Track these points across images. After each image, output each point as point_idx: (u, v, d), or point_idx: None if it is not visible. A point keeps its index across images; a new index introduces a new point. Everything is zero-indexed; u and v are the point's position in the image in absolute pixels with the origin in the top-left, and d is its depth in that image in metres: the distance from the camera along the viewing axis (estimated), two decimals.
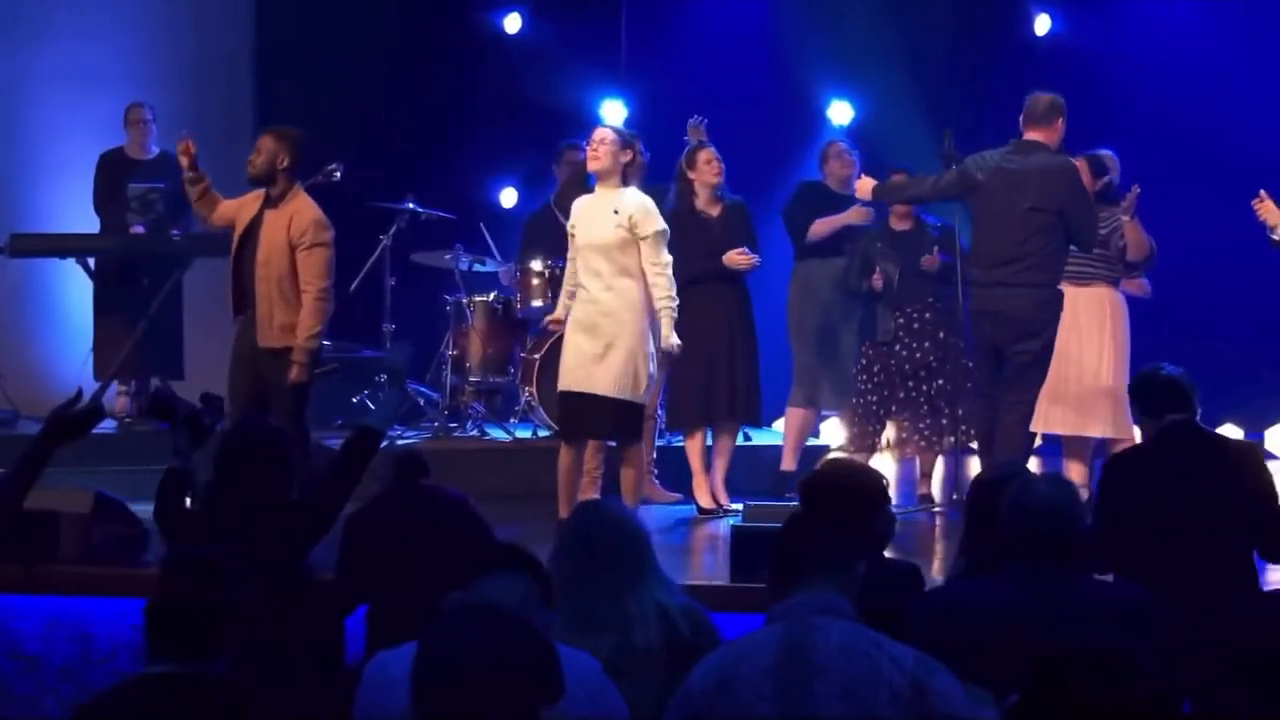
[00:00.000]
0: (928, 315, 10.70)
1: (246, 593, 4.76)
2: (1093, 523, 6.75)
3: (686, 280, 9.99)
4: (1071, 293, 10.07)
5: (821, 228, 10.95)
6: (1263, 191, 8.82)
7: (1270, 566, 7.27)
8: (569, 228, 9.43)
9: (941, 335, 10.66)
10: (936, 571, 8.65)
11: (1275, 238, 8.82)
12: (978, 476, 6.17)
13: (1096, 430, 10.19)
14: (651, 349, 9.25)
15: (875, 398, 10.74)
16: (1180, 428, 6.81)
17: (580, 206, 9.41)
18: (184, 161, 9.53)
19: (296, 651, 6.19)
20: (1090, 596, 5.17)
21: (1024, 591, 5.13)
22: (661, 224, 9.33)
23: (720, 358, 10.50)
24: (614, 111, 13.26)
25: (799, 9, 13.92)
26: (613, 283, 9.22)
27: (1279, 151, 12.86)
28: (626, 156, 9.35)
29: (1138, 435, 10.57)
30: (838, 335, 11.16)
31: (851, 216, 10.90)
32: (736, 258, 10.39)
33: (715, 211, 10.55)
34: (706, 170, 10.50)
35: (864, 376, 10.79)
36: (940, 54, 13.69)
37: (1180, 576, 6.38)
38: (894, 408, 10.78)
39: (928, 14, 13.82)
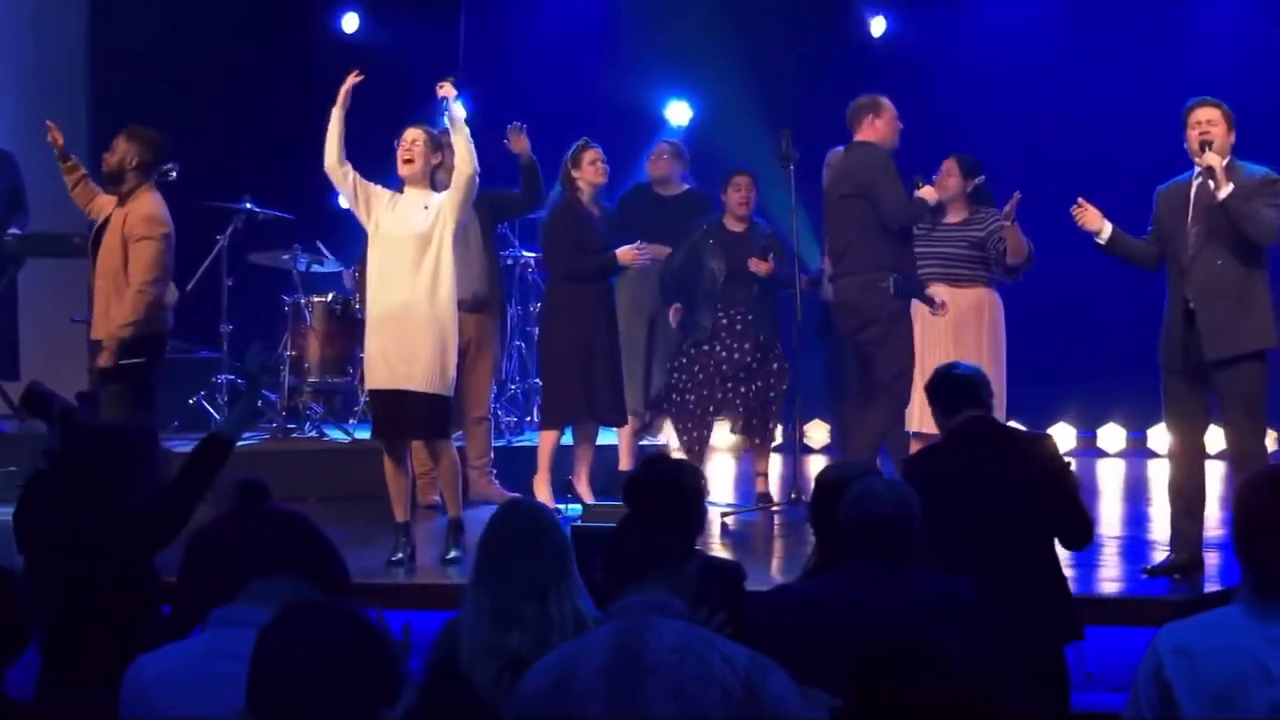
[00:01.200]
0: (750, 316, 10.75)
1: (58, 606, 4.64)
2: None
3: (578, 276, 10.03)
4: (948, 294, 10.20)
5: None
6: (1081, 199, 8.95)
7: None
8: (370, 224, 9.29)
9: (762, 337, 10.72)
10: (775, 571, 8.72)
11: (1100, 241, 8.95)
12: (820, 475, 6.20)
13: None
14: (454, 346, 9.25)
15: (694, 397, 10.78)
16: (974, 423, 6.89)
17: (389, 203, 9.31)
18: (56, 149, 9.54)
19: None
20: (925, 594, 5.22)
21: (859, 590, 5.16)
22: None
23: (597, 355, 10.57)
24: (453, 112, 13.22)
25: (637, 10, 13.96)
26: (406, 280, 9.13)
27: (1114, 149, 13.10)
28: (437, 159, 9.37)
29: None
30: (653, 337, 11.23)
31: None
32: (630, 252, 10.44)
33: (596, 212, 10.62)
34: (591, 170, 10.57)
35: (683, 376, 10.82)
36: (778, 55, 13.80)
37: (982, 571, 6.45)
38: (712, 408, 10.82)
39: (765, 15, 13.92)
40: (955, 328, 10.24)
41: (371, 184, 9.22)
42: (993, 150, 12.52)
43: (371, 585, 8.02)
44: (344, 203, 9.35)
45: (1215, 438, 10.06)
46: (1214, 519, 9.96)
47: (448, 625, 5.24)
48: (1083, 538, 6.96)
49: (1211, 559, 8.97)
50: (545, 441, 10.66)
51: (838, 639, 4.77)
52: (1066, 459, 7.01)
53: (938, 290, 10.22)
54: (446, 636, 5.19)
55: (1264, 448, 9.10)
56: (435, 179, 9.34)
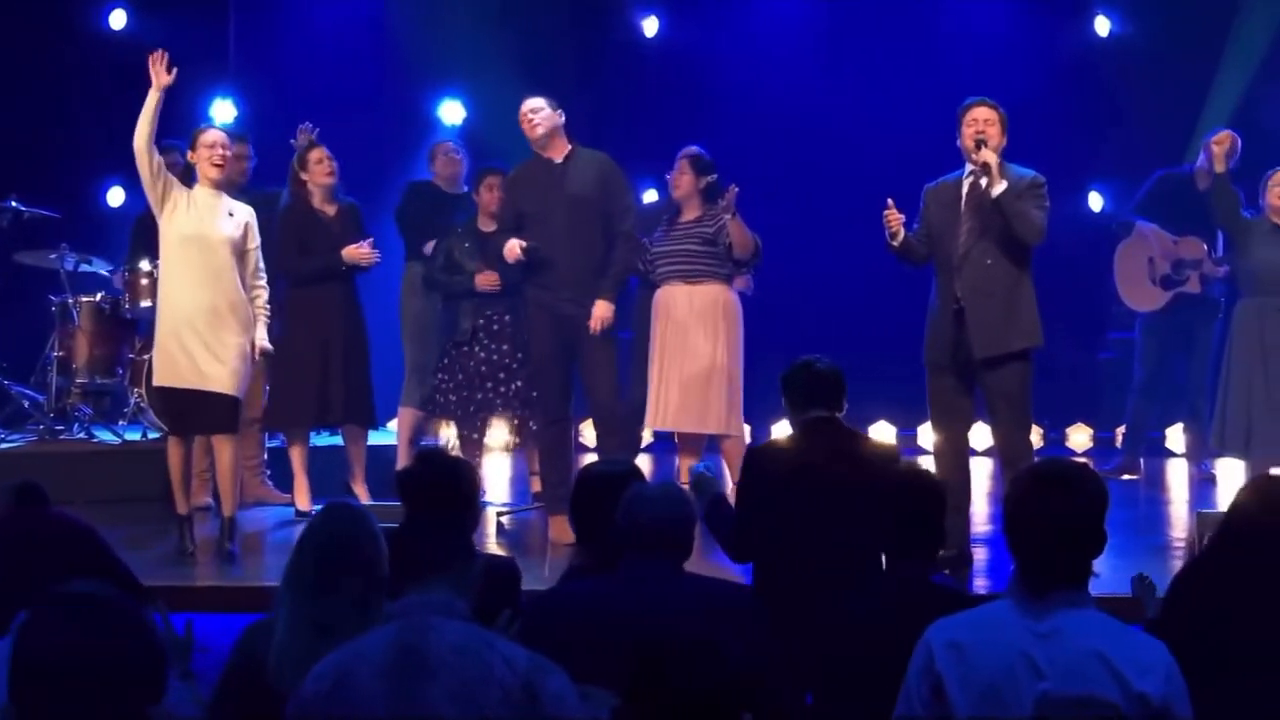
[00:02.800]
0: (507, 317, 10.74)
1: None
2: (735, 512, 6.89)
3: (302, 279, 9.95)
4: (685, 291, 10.24)
5: None
6: (891, 200, 9.05)
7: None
8: (166, 215, 9.28)
9: (529, 331, 10.72)
10: (549, 570, 8.73)
11: (895, 244, 9.05)
12: (583, 471, 6.20)
13: (711, 427, 10.25)
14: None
15: (455, 398, 10.76)
16: (821, 424, 6.90)
17: (186, 200, 9.28)
18: None
19: None
20: (700, 593, 5.26)
21: (636, 590, 5.18)
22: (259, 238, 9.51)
23: (333, 359, 10.49)
24: (223, 111, 13.12)
25: (410, 10, 13.92)
26: (214, 282, 9.21)
27: (878, 148, 13.28)
28: (240, 164, 9.45)
29: (747, 433, 10.87)
30: (437, 333, 11.22)
31: None
32: (357, 252, 10.39)
33: (331, 211, 10.53)
34: (318, 170, 10.48)
35: (444, 376, 10.80)
36: (551, 55, 13.80)
37: (811, 569, 6.52)
38: (473, 409, 10.80)
39: (538, 15, 13.93)
40: (693, 324, 10.29)
41: (170, 175, 9.21)
42: (761, 149, 12.68)
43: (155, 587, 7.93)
44: (149, 188, 9.22)
45: (981, 434, 10.28)
46: (982, 515, 10.18)
47: (252, 629, 5.14)
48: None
49: (980, 554, 9.15)
50: (291, 447, 10.68)
51: (616, 638, 4.79)
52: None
53: (675, 289, 10.28)
54: (249, 641, 5.10)
55: (1030, 444, 9.30)
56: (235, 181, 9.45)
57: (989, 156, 8.72)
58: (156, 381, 9.36)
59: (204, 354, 9.15)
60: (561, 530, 9.26)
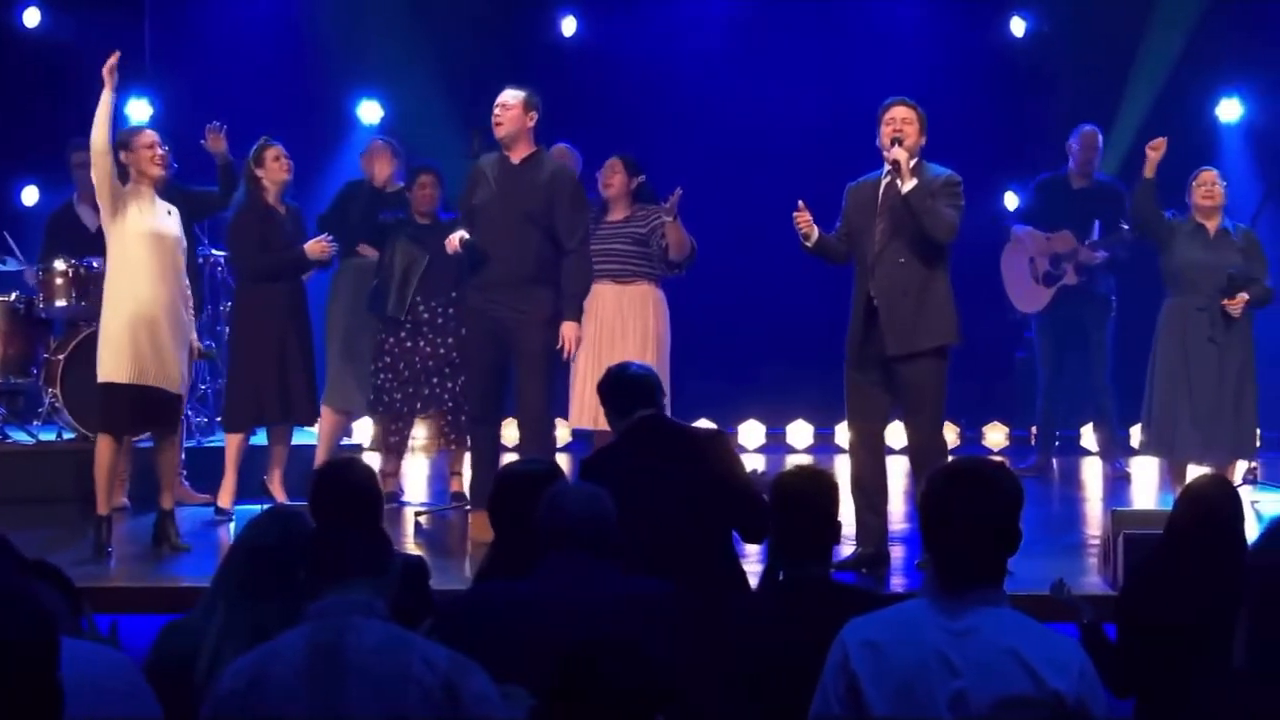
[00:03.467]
0: (450, 310, 10.74)
1: None
2: None
3: (261, 276, 9.94)
4: (614, 290, 10.28)
5: None
6: (801, 202, 9.09)
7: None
8: (117, 216, 9.27)
9: (464, 331, 10.71)
10: (468, 570, 8.72)
11: (809, 245, 9.09)
12: (503, 470, 6.21)
13: None
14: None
15: (400, 395, 10.75)
16: (649, 422, 7.00)
17: (133, 199, 9.32)
18: None
19: None
20: (620, 592, 5.27)
21: (556, 589, 5.19)
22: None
23: (289, 356, 10.48)
24: (139, 110, 13.03)
25: (328, 9, 13.86)
26: (172, 280, 9.32)
27: (804, 147, 13.32)
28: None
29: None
30: (362, 335, 11.18)
31: None
32: (318, 246, 10.36)
33: (283, 211, 10.52)
34: (275, 167, 10.47)
35: (389, 375, 10.79)
36: (469, 54, 13.78)
37: (663, 567, 6.54)
38: (419, 404, 10.80)
39: (456, 14, 13.91)
40: (620, 324, 10.32)
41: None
42: (680, 148, 12.69)
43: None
44: (104, 188, 9.21)
45: (898, 433, 10.31)
46: (899, 513, 10.22)
47: (169, 630, 5.12)
48: (761, 531, 7.07)
49: (897, 552, 9.19)
50: (232, 444, 10.56)
51: (535, 637, 4.80)
52: (750, 459, 7.11)
53: (604, 288, 10.30)
54: (167, 641, 5.07)
55: (944, 443, 9.36)
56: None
57: (899, 154, 8.77)
58: (109, 378, 9.28)
59: (164, 352, 9.24)
60: (482, 528, 9.27)
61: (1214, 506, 6.01)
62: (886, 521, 9.13)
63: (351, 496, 5.47)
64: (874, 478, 9.00)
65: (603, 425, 10.36)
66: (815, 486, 5.57)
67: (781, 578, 5.53)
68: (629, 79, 13.87)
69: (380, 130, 13.49)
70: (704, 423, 12.22)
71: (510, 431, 11.00)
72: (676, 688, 3.97)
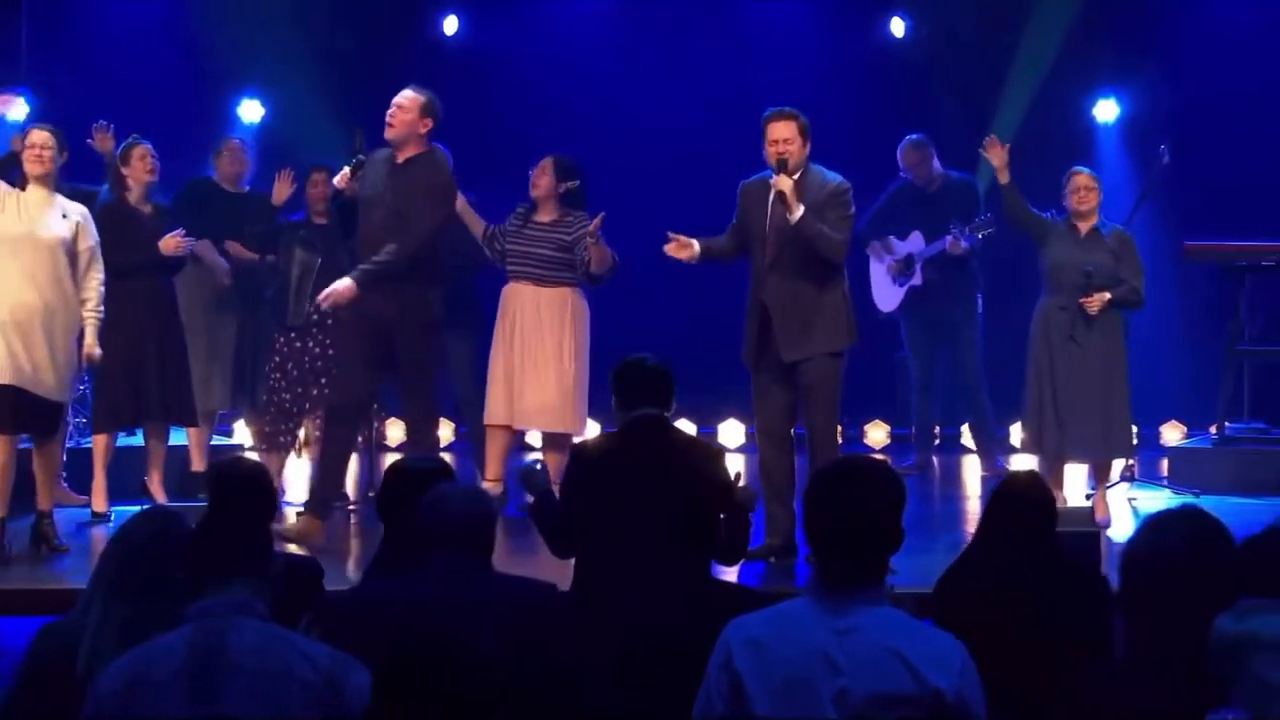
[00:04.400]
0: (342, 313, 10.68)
1: None
2: (558, 507, 6.92)
3: (120, 273, 9.86)
4: (533, 292, 10.30)
5: None
6: (669, 235, 9.17)
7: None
8: None
9: (332, 323, 10.63)
10: (351, 569, 8.70)
11: (695, 261, 9.21)
12: (391, 467, 6.19)
13: (566, 425, 10.36)
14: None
15: (289, 395, 10.71)
16: (646, 421, 6.98)
17: (17, 202, 9.27)
18: None
19: None
20: (503, 592, 5.27)
21: (439, 588, 5.19)
22: (96, 236, 9.47)
23: (150, 355, 10.40)
24: (16, 108, 12.88)
25: (209, 8, 13.75)
26: (46, 284, 9.22)
27: (688, 147, 13.34)
28: (63, 159, 9.42)
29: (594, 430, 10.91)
30: (225, 334, 11.11)
31: None
32: (171, 242, 10.29)
33: (148, 210, 10.45)
34: (139, 167, 10.42)
35: (278, 375, 10.73)
36: (351, 53, 13.73)
37: (633, 565, 6.56)
38: (308, 405, 10.75)
39: (337, 12, 13.84)
40: (537, 325, 10.32)
41: None
42: (565, 149, 12.66)
43: None
44: None
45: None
46: None
47: (47, 631, 5.07)
48: (737, 554, 7.07)
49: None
50: (96, 445, 10.51)
51: (416, 636, 4.79)
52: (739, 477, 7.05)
53: (523, 288, 10.31)
54: (45, 643, 5.03)
55: (837, 442, 9.45)
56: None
57: (785, 185, 8.89)
58: None
59: (38, 358, 9.15)
60: (313, 530, 9.36)
61: (1023, 503, 6.12)
62: (795, 514, 9.20)
63: (250, 495, 5.45)
64: (781, 471, 9.11)
65: (520, 424, 10.42)
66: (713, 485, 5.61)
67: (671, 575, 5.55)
68: (512, 78, 13.85)
69: (259, 130, 13.43)
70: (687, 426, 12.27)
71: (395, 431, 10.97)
72: (513, 688, 3.97)
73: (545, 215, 10.43)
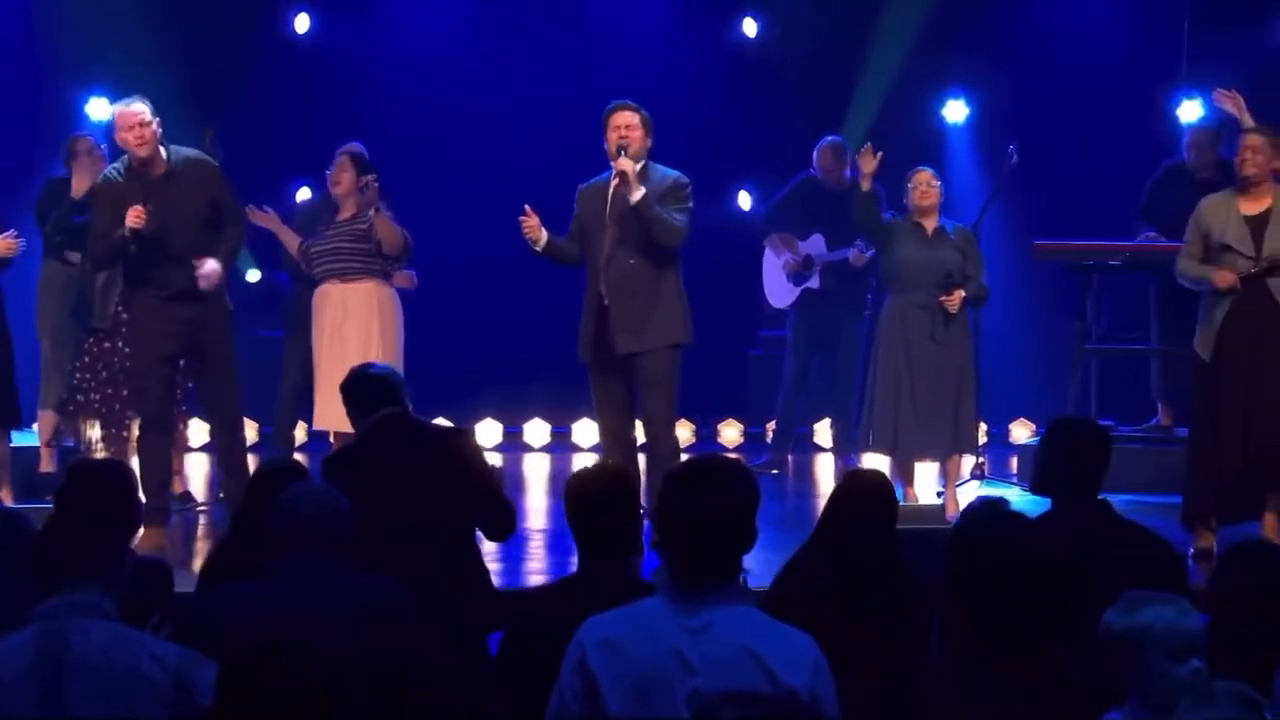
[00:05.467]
0: None
1: None
2: None
3: None
4: (340, 289, 10.24)
5: None
6: (528, 207, 9.14)
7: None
8: None
9: (129, 330, 10.48)
10: (198, 569, 8.61)
11: (538, 249, 9.19)
12: (256, 470, 6.18)
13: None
14: None
15: (98, 396, 10.55)
16: (392, 420, 6.99)
17: None
18: None
19: None
20: (354, 592, 5.25)
21: (289, 588, 5.16)
22: None
23: None
24: None
25: (58, 6, 13.58)
26: None
27: (540, 146, 13.32)
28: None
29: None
30: (73, 334, 10.98)
31: None
32: (3, 243, 10.15)
33: None
34: None
35: (87, 375, 10.56)
36: (201, 52, 13.59)
37: (404, 565, 6.54)
38: (118, 405, 10.57)
39: (188, 11, 13.71)
40: (348, 323, 10.27)
41: None
42: (418, 146, 12.65)
43: None
44: None
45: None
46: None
47: None
48: (504, 528, 7.09)
49: None
50: None
51: (268, 636, 4.76)
52: (489, 455, 7.12)
53: (331, 287, 10.28)
54: None
55: (676, 439, 9.47)
56: None
57: (626, 165, 8.92)
58: None
59: None
60: (156, 539, 9.23)
61: (865, 500, 6.20)
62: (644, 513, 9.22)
63: (100, 496, 5.39)
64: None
65: (342, 427, 10.37)
66: (609, 485, 5.63)
67: (579, 575, 5.57)
68: (363, 75, 13.78)
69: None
70: (442, 421, 12.18)
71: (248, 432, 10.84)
72: (350, 688, 3.96)
73: (345, 211, 10.40)
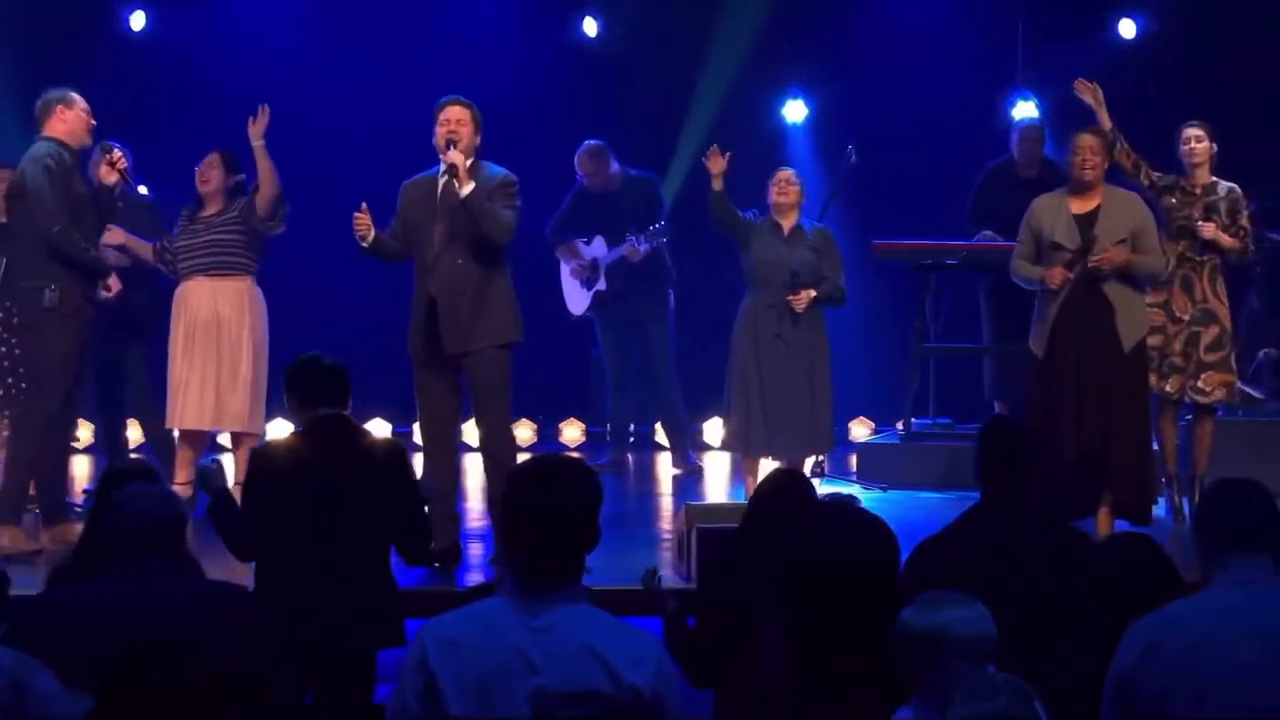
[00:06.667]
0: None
1: None
2: (240, 509, 6.84)
3: None
4: (209, 286, 10.19)
5: None
6: (364, 204, 9.10)
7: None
8: None
9: (11, 338, 10.38)
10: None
11: (365, 245, 9.15)
12: (104, 472, 6.12)
13: (238, 425, 10.28)
14: None
15: None
16: (330, 421, 6.91)
17: None
18: None
19: None
20: (189, 593, 5.22)
21: (127, 591, 5.11)
22: None
23: None
24: None
25: None
26: None
27: (366, 144, 13.28)
28: None
29: (271, 429, 10.80)
30: None
31: None
32: None
33: None
34: None
35: None
36: (39, 49, 13.42)
37: (312, 568, 6.51)
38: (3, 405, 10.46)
39: (22, 8, 13.54)
40: (215, 321, 10.21)
41: None
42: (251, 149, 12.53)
43: None
44: None
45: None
46: (476, 510, 10.28)
47: None
48: (419, 552, 7.04)
49: (475, 550, 9.24)
50: None
51: (104, 640, 4.72)
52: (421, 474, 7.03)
53: (199, 284, 10.19)
54: None
55: (514, 439, 9.47)
56: None
57: (456, 158, 8.90)
58: None
59: None
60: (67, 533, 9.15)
61: (788, 498, 6.20)
62: (461, 516, 9.20)
63: None
64: (446, 473, 9.06)
65: (208, 425, 10.28)
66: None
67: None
68: (201, 74, 13.66)
69: None
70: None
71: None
72: (238, 687, 3.95)
73: (213, 207, 10.36)
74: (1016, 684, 3.96)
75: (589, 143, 12.47)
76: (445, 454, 9.17)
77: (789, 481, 6.39)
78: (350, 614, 6.51)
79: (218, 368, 10.18)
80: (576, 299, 12.65)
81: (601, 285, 12.44)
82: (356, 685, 6.59)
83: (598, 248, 12.45)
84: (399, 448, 7.16)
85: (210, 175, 10.42)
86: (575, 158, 12.43)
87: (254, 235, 10.36)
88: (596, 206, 12.40)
